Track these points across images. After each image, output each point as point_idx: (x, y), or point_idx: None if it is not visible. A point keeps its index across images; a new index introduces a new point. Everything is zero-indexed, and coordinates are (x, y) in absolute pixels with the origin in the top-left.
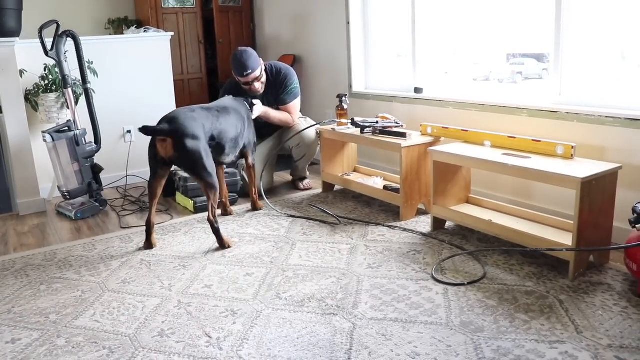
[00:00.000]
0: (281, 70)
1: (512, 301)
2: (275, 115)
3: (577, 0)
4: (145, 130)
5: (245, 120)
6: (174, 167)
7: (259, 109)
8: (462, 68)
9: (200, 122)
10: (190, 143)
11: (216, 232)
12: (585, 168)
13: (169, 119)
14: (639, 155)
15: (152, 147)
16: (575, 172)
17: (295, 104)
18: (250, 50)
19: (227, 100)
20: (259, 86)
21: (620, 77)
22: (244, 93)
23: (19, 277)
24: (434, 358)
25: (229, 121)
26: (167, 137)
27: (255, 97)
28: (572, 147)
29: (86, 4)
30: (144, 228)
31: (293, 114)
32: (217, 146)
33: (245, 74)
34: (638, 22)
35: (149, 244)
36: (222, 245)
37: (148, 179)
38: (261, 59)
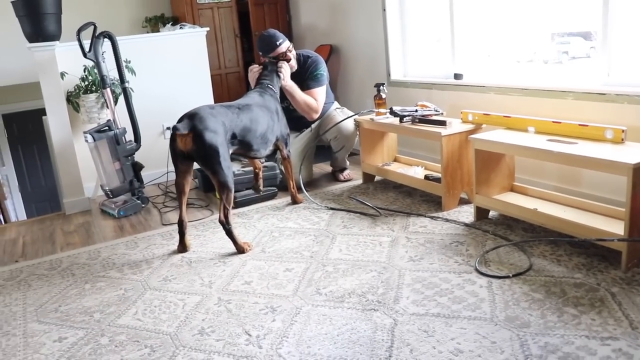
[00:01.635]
0: (309, 56)
1: (560, 294)
2: (300, 94)
3: None
4: (175, 129)
5: (274, 113)
6: None
7: (288, 80)
8: (504, 50)
9: (220, 119)
10: (208, 137)
11: (228, 234)
12: (636, 153)
13: (189, 115)
14: None
15: (172, 142)
16: (626, 158)
17: (319, 91)
18: (271, 30)
19: (252, 97)
20: (293, 60)
21: None
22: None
23: (65, 276)
24: (478, 355)
25: (252, 118)
26: (188, 132)
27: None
28: (623, 131)
29: (123, 4)
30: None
31: (317, 98)
32: (241, 143)
33: (278, 43)
34: None
35: (182, 247)
36: (238, 249)
37: None
38: (288, 41)
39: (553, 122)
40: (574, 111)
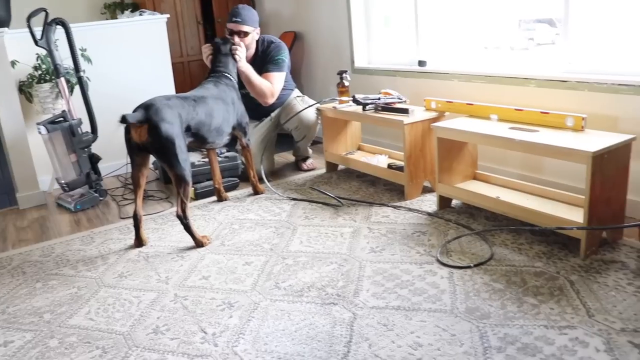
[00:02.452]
0: (272, 42)
1: (521, 284)
2: (256, 78)
3: None
4: (123, 120)
5: (229, 104)
6: None
7: (242, 55)
8: (471, 37)
9: (176, 111)
10: (164, 128)
11: (186, 228)
12: (596, 141)
13: (145, 106)
14: None
15: (127, 133)
16: (585, 146)
17: (278, 76)
18: (253, 9)
19: (208, 88)
20: (251, 48)
21: (633, 42)
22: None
23: (15, 275)
24: (437, 349)
25: (207, 111)
26: (142, 123)
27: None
28: (583, 119)
29: None
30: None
31: (274, 84)
32: (195, 136)
33: (234, 19)
34: None
35: (139, 241)
36: (196, 243)
37: None
38: (258, 30)
39: (515, 109)
40: (536, 98)
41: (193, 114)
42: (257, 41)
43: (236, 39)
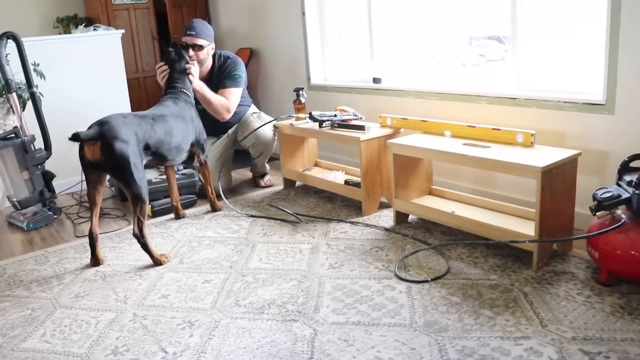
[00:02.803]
0: (229, 57)
1: (477, 296)
2: (211, 94)
3: None
4: (75, 138)
5: (189, 122)
6: None
7: (196, 73)
8: (424, 53)
9: (132, 129)
10: (118, 146)
11: (144, 247)
12: (545, 156)
13: (99, 123)
14: (598, 140)
15: (80, 150)
16: (535, 161)
17: (234, 91)
18: (208, 24)
19: (167, 105)
20: (195, 61)
21: (576, 61)
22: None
23: None
24: None
25: (166, 129)
26: (95, 141)
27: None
28: (532, 135)
29: (32, 2)
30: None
31: (230, 100)
32: (155, 154)
33: (188, 32)
34: (592, 4)
35: (95, 260)
36: (154, 261)
37: None
38: (213, 44)
39: (468, 126)
40: (488, 115)
41: (151, 133)
42: (214, 56)
43: (191, 52)
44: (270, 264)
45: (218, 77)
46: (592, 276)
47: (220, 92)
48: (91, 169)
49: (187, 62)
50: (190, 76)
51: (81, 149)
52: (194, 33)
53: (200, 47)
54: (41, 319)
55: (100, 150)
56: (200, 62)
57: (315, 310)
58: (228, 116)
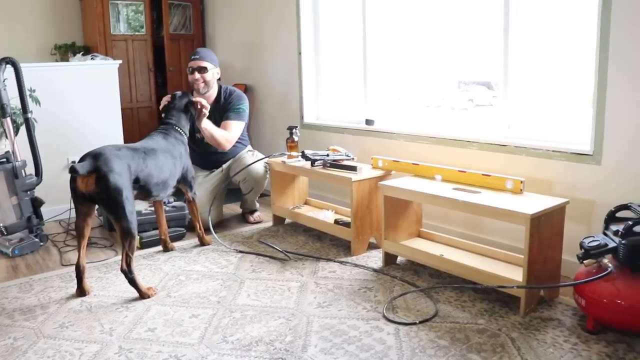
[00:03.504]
0: (234, 92)
1: (464, 340)
2: (212, 128)
3: (523, 34)
4: (73, 171)
5: (177, 159)
6: None
7: (205, 120)
8: (414, 96)
9: (126, 162)
10: (112, 179)
11: (131, 282)
12: (534, 203)
13: (93, 155)
14: (585, 190)
15: (72, 181)
16: (524, 208)
17: (237, 124)
18: (211, 51)
19: (157, 140)
20: (200, 82)
21: (566, 111)
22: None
23: None
24: None
25: (156, 164)
26: (90, 173)
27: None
28: (522, 182)
29: (31, 29)
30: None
31: (231, 132)
32: (142, 189)
33: (193, 57)
34: (583, 55)
35: (81, 291)
36: (142, 295)
37: None
38: (218, 70)
39: (459, 171)
40: (478, 160)
41: (142, 167)
42: (220, 89)
43: (196, 74)
44: (258, 301)
45: (223, 109)
46: (579, 323)
47: (223, 124)
48: (82, 201)
49: (191, 102)
50: (204, 112)
51: (73, 180)
52: (198, 57)
53: (205, 69)
54: (23, 349)
55: (95, 182)
56: (207, 85)
57: (303, 349)
58: (228, 147)
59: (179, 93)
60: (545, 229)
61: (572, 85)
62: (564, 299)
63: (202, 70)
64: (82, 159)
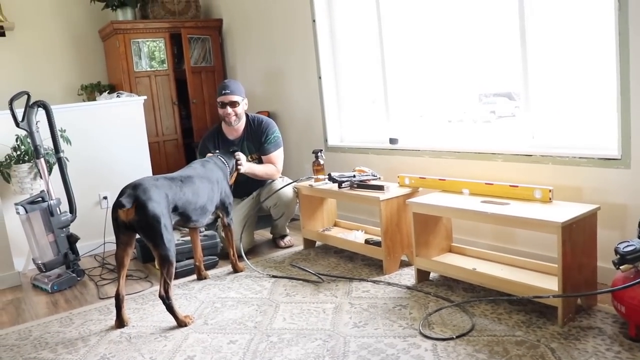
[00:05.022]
0: (262, 120)
1: (503, 353)
2: (260, 169)
3: (540, 42)
4: (119, 205)
5: (214, 184)
6: None
7: (244, 164)
8: (436, 111)
9: (163, 191)
10: (151, 207)
11: (169, 309)
12: (564, 211)
13: (132, 186)
14: (616, 194)
15: (114, 211)
16: (554, 217)
17: (278, 154)
18: (238, 81)
19: (194, 167)
20: (233, 116)
21: (590, 116)
22: (223, 143)
23: None
24: None
25: (194, 190)
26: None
27: (235, 147)
28: (550, 191)
29: (58, 71)
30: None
31: (277, 164)
32: (182, 215)
33: (224, 92)
34: (603, 59)
35: (120, 322)
36: (179, 323)
37: None
38: (246, 100)
39: (486, 183)
40: (504, 172)
41: (180, 194)
42: (247, 117)
43: (229, 109)
44: (294, 324)
45: (255, 140)
46: (620, 331)
47: (267, 159)
48: (124, 230)
49: (238, 160)
50: (240, 167)
51: (115, 210)
52: (228, 91)
53: (237, 103)
54: None
55: (135, 211)
56: (238, 117)
57: None
58: (279, 175)
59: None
60: (578, 236)
61: (594, 90)
62: (603, 306)
63: (234, 104)
64: (122, 192)
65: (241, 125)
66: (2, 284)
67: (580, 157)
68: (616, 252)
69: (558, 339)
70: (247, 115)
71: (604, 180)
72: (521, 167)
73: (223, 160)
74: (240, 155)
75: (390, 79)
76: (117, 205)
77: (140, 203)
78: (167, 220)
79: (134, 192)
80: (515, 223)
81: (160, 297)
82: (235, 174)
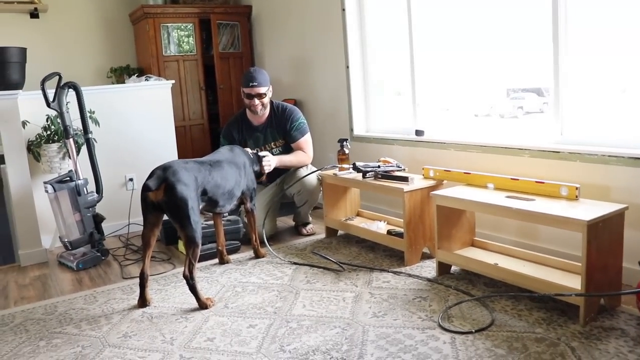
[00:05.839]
0: (286, 108)
1: (522, 349)
2: (290, 158)
3: (573, 38)
4: (147, 189)
5: (241, 169)
6: None
7: (272, 161)
8: (463, 105)
9: (193, 174)
10: (180, 188)
11: (192, 289)
12: (590, 210)
13: (163, 168)
14: None
15: (143, 191)
16: (580, 215)
17: (307, 140)
18: (263, 70)
19: (222, 152)
20: (259, 106)
21: (622, 114)
22: (247, 130)
23: (18, 333)
24: None
25: (222, 175)
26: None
27: (258, 133)
28: (577, 188)
29: (88, 53)
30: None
31: (306, 150)
32: (209, 200)
33: (250, 84)
34: (637, 56)
35: (143, 301)
36: (200, 305)
37: None
38: (271, 87)
39: (511, 178)
40: (530, 167)
41: (209, 178)
42: (272, 104)
43: (255, 100)
44: (314, 311)
45: (279, 127)
46: None
47: (296, 146)
48: (152, 210)
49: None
50: (264, 170)
51: (144, 191)
52: (255, 83)
53: (263, 95)
54: (91, 357)
55: (164, 192)
56: (264, 107)
57: (360, 358)
58: (310, 161)
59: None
60: (604, 235)
61: (625, 88)
62: (627, 307)
63: (261, 96)
64: (152, 173)
65: (266, 112)
66: (30, 260)
67: (609, 156)
68: None
69: (579, 338)
70: (271, 102)
71: (632, 179)
72: (548, 163)
73: (249, 150)
74: (266, 153)
75: (418, 70)
76: (147, 185)
77: (170, 184)
78: (194, 203)
79: (164, 174)
80: (540, 219)
81: (185, 276)
82: (262, 177)
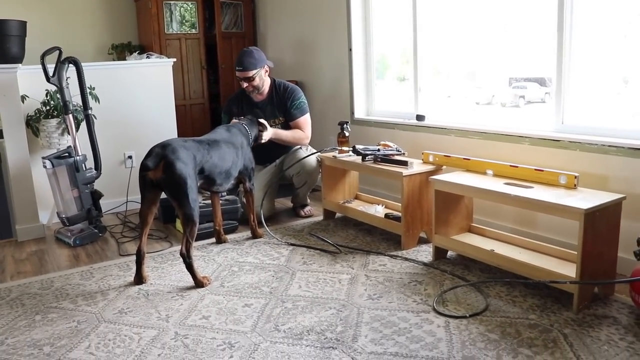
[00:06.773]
0: (288, 86)
1: (515, 335)
2: (286, 134)
3: (578, 29)
4: (145, 168)
5: (239, 149)
6: None
7: (269, 133)
8: (464, 92)
9: (191, 153)
10: (178, 166)
11: (189, 267)
12: (588, 199)
13: (162, 145)
14: None
15: (142, 169)
16: (578, 203)
17: (306, 119)
18: (254, 50)
19: (220, 132)
20: (250, 88)
21: (623, 105)
22: (247, 105)
23: (14, 307)
24: None
25: (220, 154)
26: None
27: (258, 110)
28: (575, 177)
29: (89, 29)
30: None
31: (305, 129)
32: (207, 179)
33: (237, 68)
34: (636, 51)
35: (139, 278)
36: (197, 283)
37: None
38: (265, 65)
39: (510, 166)
40: (530, 155)
41: (207, 157)
42: (273, 83)
43: (244, 84)
44: (309, 292)
45: (280, 105)
46: (636, 322)
47: (294, 124)
48: (150, 188)
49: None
50: (261, 139)
51: (142, 168)
52: (241, 68)
53: (251, 78)
54: (86, 332)
55: (162, 170)
56: (256, 88)
57: (354, 339)
58: (307, 141)
59: (249, 117)
60: (600, 224)
61: (627, 79)
62: (619, 296)
63: (249, 79)
64: (151, 151)
65: (266, 88)
66: (27, 235)
67: (609, 145)
68: (638, 242)
69: (571, 325)
70: (273, 80)
71: (631, 170)
72: (548, 151)
73: (247, 130)
74: (264, 122)
75: (422, 56)
76: (145, 163)
77: (168, 162)
78: (193, 181)
79: (163, 152)
80: (537, 207)
81: (181, 254)
82: (260, 141)
